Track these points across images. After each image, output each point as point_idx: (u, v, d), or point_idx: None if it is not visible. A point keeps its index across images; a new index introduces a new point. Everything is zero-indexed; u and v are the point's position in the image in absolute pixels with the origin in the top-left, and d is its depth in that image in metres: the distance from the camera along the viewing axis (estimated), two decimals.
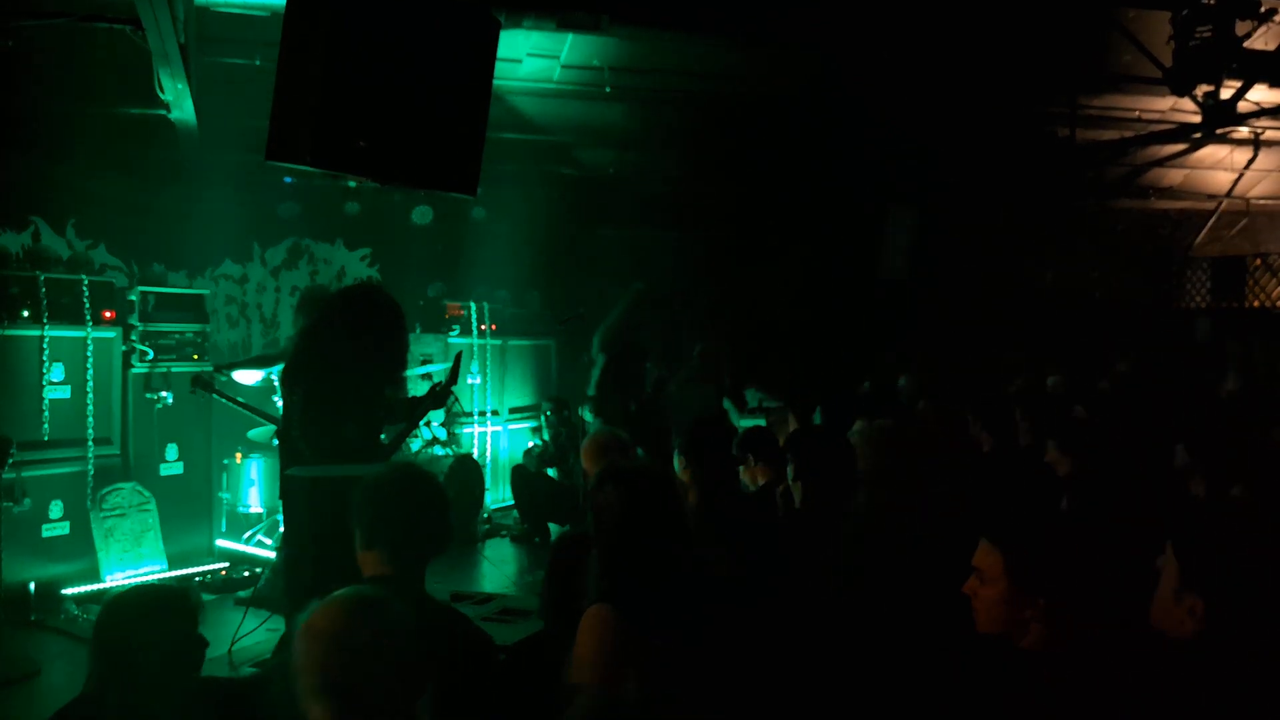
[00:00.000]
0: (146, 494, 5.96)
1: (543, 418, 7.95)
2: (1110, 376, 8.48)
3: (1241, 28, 8.10)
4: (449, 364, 4.73)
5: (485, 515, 7.63)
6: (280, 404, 5.03)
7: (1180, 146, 10.81)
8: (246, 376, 6.41)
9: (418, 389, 6.74)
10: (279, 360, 6.00)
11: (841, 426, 5.32)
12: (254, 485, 6.55)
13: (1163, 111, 9.74)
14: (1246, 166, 11.34)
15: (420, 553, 2.61)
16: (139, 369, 6.13)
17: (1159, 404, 6.74)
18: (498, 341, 8.49)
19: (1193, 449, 4.04)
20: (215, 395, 6.07)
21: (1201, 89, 8.44)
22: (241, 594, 5.68)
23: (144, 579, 5.69)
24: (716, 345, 8.32)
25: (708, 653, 2.34)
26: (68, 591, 5.50)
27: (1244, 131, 10.50)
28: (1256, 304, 11.86)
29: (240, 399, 6.14)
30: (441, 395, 4.44)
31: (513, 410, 8.59)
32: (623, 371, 6.76)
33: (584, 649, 2.29)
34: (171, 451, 6.31)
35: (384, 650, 1.82)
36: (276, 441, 4.55)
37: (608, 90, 7.99)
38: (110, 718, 2.30)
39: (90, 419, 5.85)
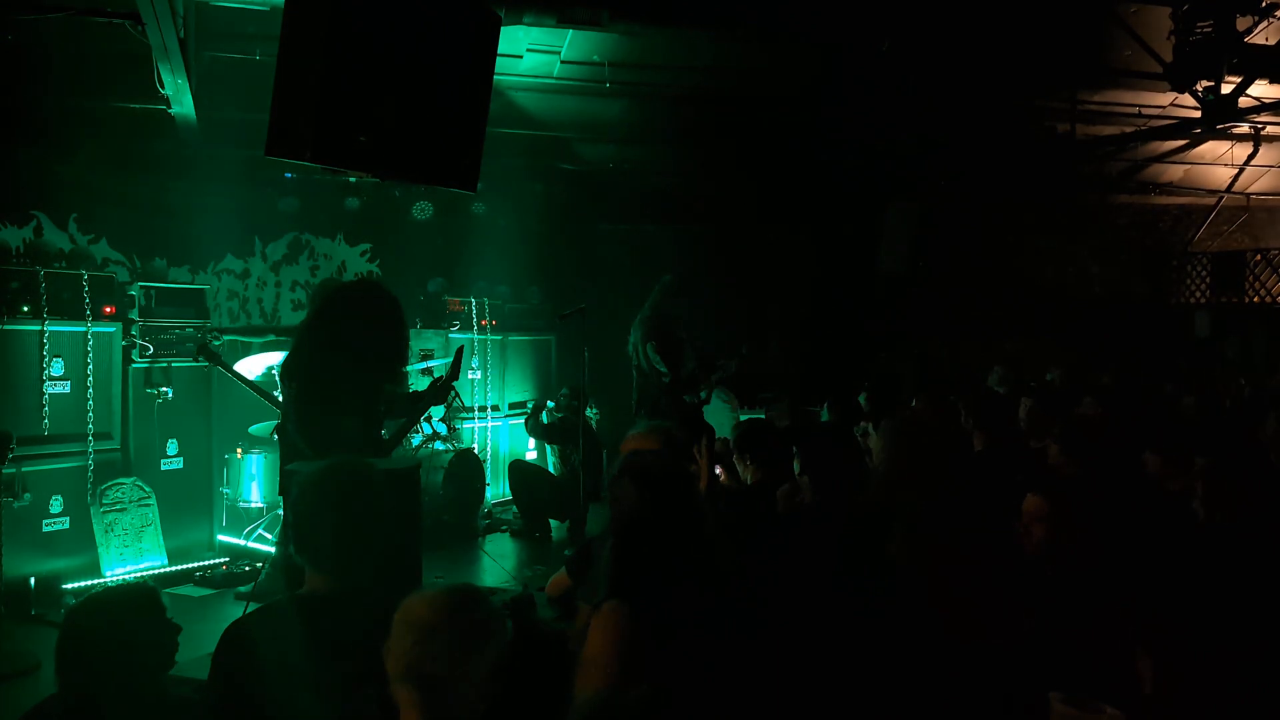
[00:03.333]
0: (147, 489, 5.98)
1: (556, 400, 7.90)
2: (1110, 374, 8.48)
3: (1242, 23, 8.09)
4: (450, 359, 4.74)
5: (485, 510, 7.64)
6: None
7: (1180, 142, 10.82)
8: (255, 364, 6.43)
9: (419, 384, 6.74)
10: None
11: (849, 422, 5.30)
12: (255, 480, 6.55)
13: (1163, 107, 9.73)
14: (1247, 162, 11.35)
15: (356, 565, 2.38)
16: (139, 364, 6.14)
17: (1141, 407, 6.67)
18: (498, 337, 8.49)
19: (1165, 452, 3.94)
20: (220, 367, 6.11)
21: (1202, 84, 8.43)
22: (242, 589, 5.68)
23: (123, 579, 5.72)
24: (760, 348, 8.08)
25: (716, 648, 2.32)
26: (68, 586, 5.50)
27: (1244, 127, 10.51)
28: (1256, 299, 11.86)
29: (252, 379, 6.17)
30: (443, 390, 4.45)
31: (513, 405, 8.60)
32: (665, 346, 6.75)
33: (595, 644, 2.27)
34: (172, 446, 6.33)
35: (471, 645, 1.85)
36: (276, 436, 4.56)
37: (608, 86, 7.97)
38: (83, 714, 2.34)
39: (90, 414, 5.85)
